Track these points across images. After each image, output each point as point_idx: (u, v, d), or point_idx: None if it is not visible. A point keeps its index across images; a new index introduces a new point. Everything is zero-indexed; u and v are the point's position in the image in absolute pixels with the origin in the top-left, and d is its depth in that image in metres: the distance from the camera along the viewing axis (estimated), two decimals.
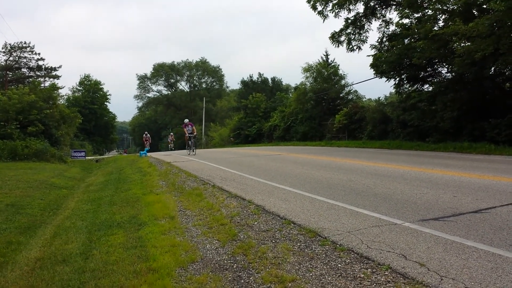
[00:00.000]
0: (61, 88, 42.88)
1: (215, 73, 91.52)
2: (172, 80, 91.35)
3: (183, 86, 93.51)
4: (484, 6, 17.57)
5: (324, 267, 4.28)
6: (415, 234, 5.00)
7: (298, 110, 38.86)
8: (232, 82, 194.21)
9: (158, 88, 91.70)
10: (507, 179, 8.57)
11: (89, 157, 35.14)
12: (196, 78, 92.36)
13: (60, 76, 54.46)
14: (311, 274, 4.15)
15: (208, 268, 4.62)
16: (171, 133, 41.64)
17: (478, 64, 16.67)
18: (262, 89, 55.07)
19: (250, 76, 59.72)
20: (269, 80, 59.92)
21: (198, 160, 17.63)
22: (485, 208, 6.04)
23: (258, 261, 4.61)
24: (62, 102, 44.18)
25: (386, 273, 3.95)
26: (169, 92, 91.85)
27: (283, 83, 63.92)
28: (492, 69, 18.10)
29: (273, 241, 5.26)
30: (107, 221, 7.47)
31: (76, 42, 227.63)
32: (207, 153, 23.41)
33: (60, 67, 54.70)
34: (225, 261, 4.79)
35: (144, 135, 37.08)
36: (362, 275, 3.97)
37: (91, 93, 60.78)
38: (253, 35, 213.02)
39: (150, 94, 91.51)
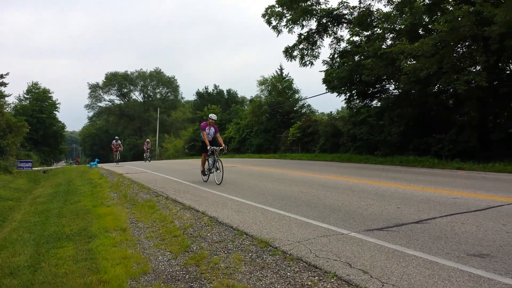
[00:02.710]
0: (7, 96, 40.87)
1: (170, 84, 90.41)
2: (125, 90, 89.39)
3: (137, 96, 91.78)
4: (430, 26, 18.59)
5: (274, 276, 4.42)
6: (360, 243, 5.26)
7: (253, 122, 39.26)
8: (187, 92, 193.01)
9: (111, 98, 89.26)
10: (447, 192, 9.11)
11: (36, 168, 33.80)
12: (151, 88, 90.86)
13: (7, 84, 51.79)
14: (261, 283, 4.28)
15: (160, 279, 4.64)
16: (147, 140, 34.88)
17: (423, 81, 17.57)
18: (217, 101, 55.23)
19: (205, 88, 59.87)
20: (225, 92, 60.20)
21: (152, 172, 17.45)
22: (426, 219, 6.42)
23: (210, 272, 4.69)
24: (9, 111, 42.21)
25: (332, 280, 4.14)
26: (122, 102, 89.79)
27: (239, 95, 64.41)
28: (436, 86, 19.15)
29: (226, 252, 5.36)
30: (56, 234, 7.28)
31: (22, 48, 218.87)
32: (162, 164, 23.15)
33: (7, 74, 52.01)
34: (177, 272, 4.83)
35: (114, 141, 29.77)
36: (309, 283, 4.14)
37: (40, 102, 58.61)
38: (207, 44, 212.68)
39: (102, 104, 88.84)
